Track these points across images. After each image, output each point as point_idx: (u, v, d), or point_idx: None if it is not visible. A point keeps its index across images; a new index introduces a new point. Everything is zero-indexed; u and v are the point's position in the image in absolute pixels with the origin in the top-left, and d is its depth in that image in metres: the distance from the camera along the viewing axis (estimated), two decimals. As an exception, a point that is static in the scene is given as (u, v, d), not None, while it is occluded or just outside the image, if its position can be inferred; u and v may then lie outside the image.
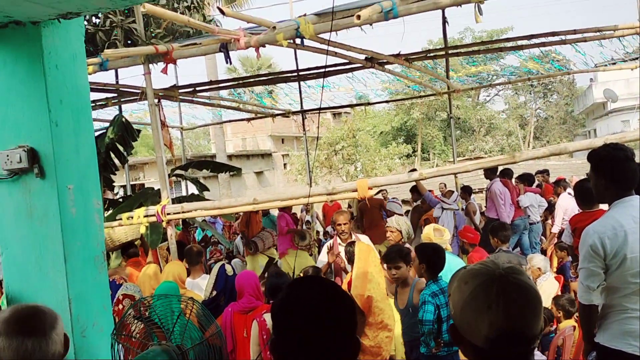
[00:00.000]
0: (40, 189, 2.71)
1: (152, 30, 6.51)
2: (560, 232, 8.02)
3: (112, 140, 7.48)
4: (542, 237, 9.43)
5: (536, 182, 10.96)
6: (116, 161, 8.20)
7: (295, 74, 10.05)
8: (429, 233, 5.34)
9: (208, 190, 10.19)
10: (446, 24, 9.45)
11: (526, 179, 9.81)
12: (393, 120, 38.10)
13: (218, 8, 4.85)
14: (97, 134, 8.15)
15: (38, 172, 2.68)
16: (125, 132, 7.77)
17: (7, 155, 2.67)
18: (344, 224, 5.56)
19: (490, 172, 8.85)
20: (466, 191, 10.23)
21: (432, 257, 4.39)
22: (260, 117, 13.40)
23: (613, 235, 2.78)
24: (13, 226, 2.76)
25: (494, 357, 1.35)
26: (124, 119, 7.89)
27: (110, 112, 11.47)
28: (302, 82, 11.13)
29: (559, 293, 5.73)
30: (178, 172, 9.41)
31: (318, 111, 6.73)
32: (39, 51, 2.68)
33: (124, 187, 13.74)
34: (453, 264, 5.23)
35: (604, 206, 3.46)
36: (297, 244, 8.35)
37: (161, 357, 2.43)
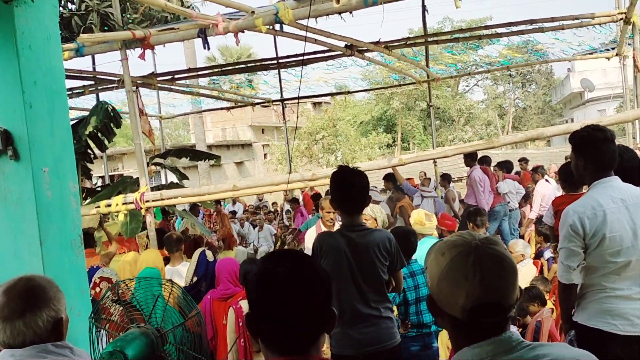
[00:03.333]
0: (14, 171, 2.65)
1: (129, 15, 6.41)
2: (538, 218, 8.13)
3: (96, 127, 7.32)
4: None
5: (515, 170, 11.09)
6: (96, 150, 8.07)
7: (275, 61, 9.99)
8: (420, 217, 5.35)
9: (187, 178, 10.09)
10: (426, 12, 9.47)
11: (505, 166, 9.91)
12: (373, 110, 38.18)
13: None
14: (74, 122, 8.00)
15: (12, 155, 2.62)
16: (109, 120, 7.60)
17: (-20, 137, 2.61)
18: (333, 212, 5.55)
19: (470, 159, 8.90)
20: (445, 179, 10.31)
21: (401, 240, 4.37)
22: (241, 106, 13.31)
23: (592, 215, 2.81)
24: (-13, 210, 2.70)
25: (471, 327, 1.36)
26: (109, 107, 7.73)
27: (86, 101, 11.30)
28: (282, 71, 11.09)
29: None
30: (157, 160, 9.32)
31: (297, 100, 6.68)
32: (11, 31, 2.61)
33: (102, 177, 13.58)
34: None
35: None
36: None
37: (140, 339, 2.40)
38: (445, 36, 9.49)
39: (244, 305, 4.15)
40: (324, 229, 5.64)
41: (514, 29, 8.55)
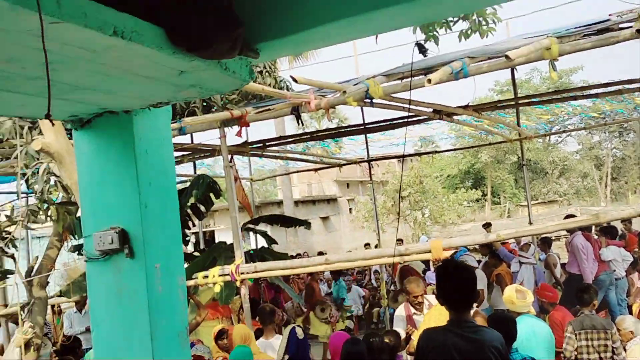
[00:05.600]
0: (129, 268, 2.81)
1: (227, 95, 6.84)
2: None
3: (199, 199, 7.78)
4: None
5: (619, 233, 10.40)
6: (195, 220, 8.54)
7: (362, 126, 10.14)
8: (511, 295, 5.08)
9: (276, 243, 10.36)
10: (514, 69, 9.30)
11: (609, 232, 9.30)
12: (460, 163, 37.54)
13: (290, 76, 5.01)
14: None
15: (128, 252, 2.79)
16: (209, 192, 8.10)
17: (100, 237, 2.81)
18: (420, 295, 5.43)
19: (569, 225, 8.47)
20: (545, 242, 9.84)
21: (499, 327, 4.09)
22: (327, 167, 13.56)
23: None
24: (103, 305, 2.86)
25: None
26: (210, 180, 8.21)
27: (184, 168, 11.94)
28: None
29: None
30: (249, 226, 9.59)
31: (402, 159, 6.70)
32: (130, 137, 2.82)
33: (196, 233, 14.12)
34: (537, 328, 4.99)
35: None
36: (317, 315, 8.47)
37: None
38: (537, 98, 9.26)
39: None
40: (413, 310, 5.52)
41: (611, 89, 8.21)
